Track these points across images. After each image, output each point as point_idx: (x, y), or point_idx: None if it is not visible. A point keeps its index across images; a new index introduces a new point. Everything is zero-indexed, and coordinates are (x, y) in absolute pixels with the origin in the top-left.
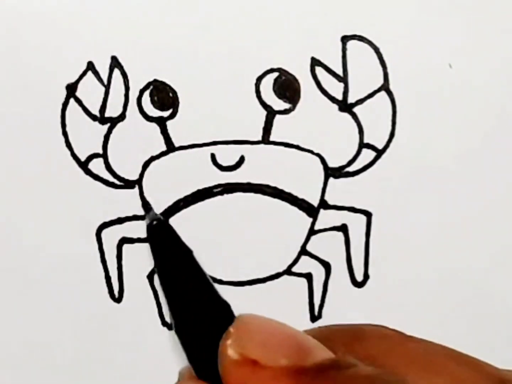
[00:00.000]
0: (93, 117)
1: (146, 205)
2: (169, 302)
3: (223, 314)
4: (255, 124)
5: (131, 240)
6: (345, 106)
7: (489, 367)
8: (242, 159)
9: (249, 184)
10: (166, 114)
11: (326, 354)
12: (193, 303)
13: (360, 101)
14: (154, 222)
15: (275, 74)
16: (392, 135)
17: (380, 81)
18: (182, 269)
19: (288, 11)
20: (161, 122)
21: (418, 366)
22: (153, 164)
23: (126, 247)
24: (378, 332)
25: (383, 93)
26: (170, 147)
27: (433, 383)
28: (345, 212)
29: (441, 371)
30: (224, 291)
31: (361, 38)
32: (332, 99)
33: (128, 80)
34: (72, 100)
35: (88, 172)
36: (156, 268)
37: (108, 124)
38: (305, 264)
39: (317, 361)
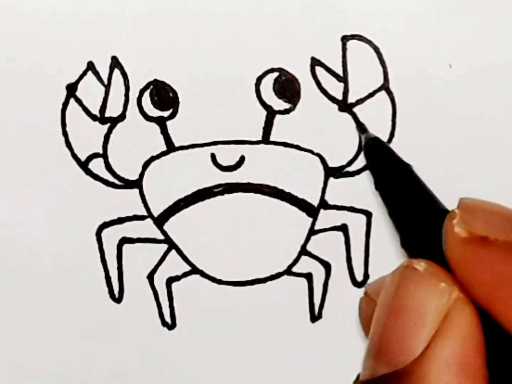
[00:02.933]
0: (93, 117)
1: (361, 125)
2: (390, 211)
3: (440, 211)
4: (255, 124)
5: (131, 240)
6: (345, 106)
7: None
8: (242, 159)
9: (249, 184)
10: (166, 114)
11: None
12: (412, 206)
13: (360, 101)
14: (370, 141)
15: (275, 74)
16: (392, 135)
17: (380, 81)
18: (401, 181)
19: (288, 11)
20: (161, 122)
21: None
22: (153, 164)
23: (126, 247)
24: None
25: (383, 93)
26: (170, 147)
27: None
28: (345, 212)
29: None
30: (224, 291)
31: (361, 38)
32: (332, 99)
33: (128, 80)
34: (72, 100)
35: (88, 172)
36: (376, 184)
37: (108, 124)
38: (305, 264)
39: None
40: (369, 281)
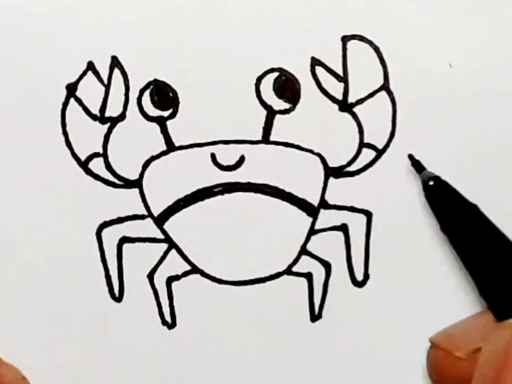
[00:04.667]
0: (93, 117)
1: (417, 164)
2: (462, 255)
3: None
4: (255, 124)
5: (131, 240)
6: (345, 106)
7: None
8: (242, 159)
9: (249, 184)
10: (166, 113)
11: None
12: (488, 252)
13: (360, 101)
14: (431, 182)
15: (275, 74)
16: (392, 135)
17: (380, 81)
18: (470, 222)
19: (288, 10)
20: (161, 122)
21: None
22: (153, 163)
23: (126, 246)
24: None
25: (383, 93)
26: (170, 147)
27: None
28: (345, 212)
29: None
30: (224, 291)
31: (361, 38)
32: (332, 99)
33: (128, 80)
34: (72, 100)
35: (88, 172)
36: (441, 225)
37: (108, 124)
38: (305, 264)
39: None
40: (370, 282)
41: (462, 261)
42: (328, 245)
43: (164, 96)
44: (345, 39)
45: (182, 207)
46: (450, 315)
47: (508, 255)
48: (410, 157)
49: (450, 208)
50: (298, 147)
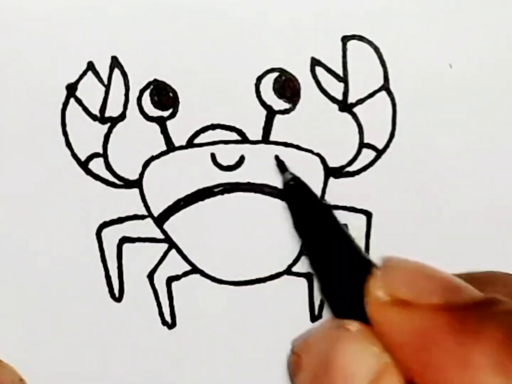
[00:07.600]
0: (93, 117)
1: (281, 164)
2: (310, 256)
3: (364, 263)
4: (255, 124)
5: (131, 240)
6: (345, 106)
7: None
8: (242, 159)
9: (249, 184)
10: (166, 113)
11: (476, 292)
12: (334, 254)
13: (360, 101)
14: (291, 182)
15: (275, 74)
16: (392, 135)
17: (380, 81)
18: (321, 223)
19: (288, 11)
20: (161, 122)
21: None
22: (153, 163)
23: (126, 246)
24: (506, 277)
25: (383, 93)
26: (170, 147)
27: None
28: (345, 212)
29: None
30: (224, 291)
31: (361, 38)
32: (332, 99)
33: (128, 80)
34: (72, 100)
35: (88, 172)
36: (294, 223)
37: (108, 124)
38: (305, 264)
39: (468, 298)
40: None
41: (309, 259)
42: None
43: (164, 96)
44: (345, 39)
45: (182, 207)
46: None
47: (350, 257)
48: (276, 158)
49: (305, 207)
50: (298, 147)
